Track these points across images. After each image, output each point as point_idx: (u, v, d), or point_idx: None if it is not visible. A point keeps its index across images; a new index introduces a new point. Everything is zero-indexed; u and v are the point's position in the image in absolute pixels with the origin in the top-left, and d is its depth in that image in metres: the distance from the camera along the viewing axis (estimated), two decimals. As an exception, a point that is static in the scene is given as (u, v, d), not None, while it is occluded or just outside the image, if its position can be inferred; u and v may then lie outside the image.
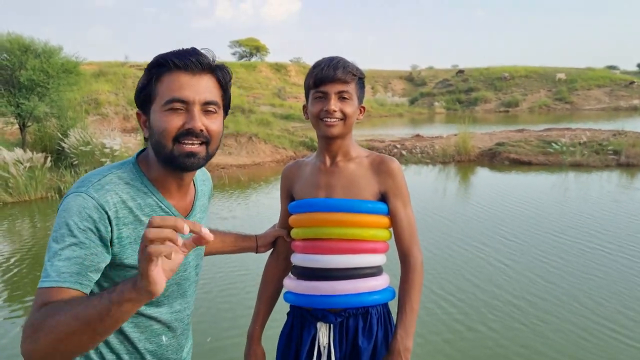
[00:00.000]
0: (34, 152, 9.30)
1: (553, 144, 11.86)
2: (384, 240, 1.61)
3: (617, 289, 4.35)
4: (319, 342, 1.55)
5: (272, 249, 1.79)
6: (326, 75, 1.51)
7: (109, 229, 1.09)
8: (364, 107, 1.64)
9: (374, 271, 1.59)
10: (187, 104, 1.15)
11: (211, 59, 1.20)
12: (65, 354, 0.95)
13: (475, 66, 38.54)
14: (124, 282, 0.92)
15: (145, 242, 0.84)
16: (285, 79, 36.25)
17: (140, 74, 1.29)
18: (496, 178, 10.49)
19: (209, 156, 1.21)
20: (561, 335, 3.61)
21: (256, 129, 14.43)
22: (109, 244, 1.10)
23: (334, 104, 1.51)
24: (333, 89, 1.51)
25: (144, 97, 1.18)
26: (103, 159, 9.43)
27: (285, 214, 1.71)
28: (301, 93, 31.43)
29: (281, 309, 1.80)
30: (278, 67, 37.52)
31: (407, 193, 1.58)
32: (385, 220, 1.57)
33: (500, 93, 32.79)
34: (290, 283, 1.65)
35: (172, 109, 1.14)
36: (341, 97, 1.52)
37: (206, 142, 1.18)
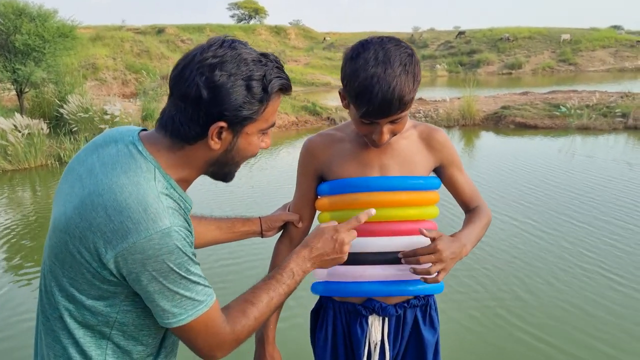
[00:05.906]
0: (32, 119, 9.17)
1: (560, 107, 11.68)
2: (434, 218, 1.45)
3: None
4: (369, 339, 1.35)
5: (280, 234, 1.54)
6: (379, 114, 1.19)
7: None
8: None
9: None
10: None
11: None
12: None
13: (477, 27, 37.82)
14: (295, 263, 1.14)
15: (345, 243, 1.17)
16: (284, 42, 35.62)
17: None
18: (501, 142, 10.38)
19: None
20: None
21: (257, 93, 14.18)
22: None
23: (386, 135, 1.25)
24: (385, 121, 1.23)
25: (245, 117, 0.99)
26: (102, 126, 9.31)
27: (307, 196, 1.46)
28: (301, 56, 30.96)
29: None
30: (277, 30, 36.84)
31: (459, 159, 1.46)
32: (437, 195, 1.42)
33: (503, 55, 32.14)
34: (324, 271, 1.37)
35: (264, 133, 1.08)
36: (394, 122, 1.25)
37: None
